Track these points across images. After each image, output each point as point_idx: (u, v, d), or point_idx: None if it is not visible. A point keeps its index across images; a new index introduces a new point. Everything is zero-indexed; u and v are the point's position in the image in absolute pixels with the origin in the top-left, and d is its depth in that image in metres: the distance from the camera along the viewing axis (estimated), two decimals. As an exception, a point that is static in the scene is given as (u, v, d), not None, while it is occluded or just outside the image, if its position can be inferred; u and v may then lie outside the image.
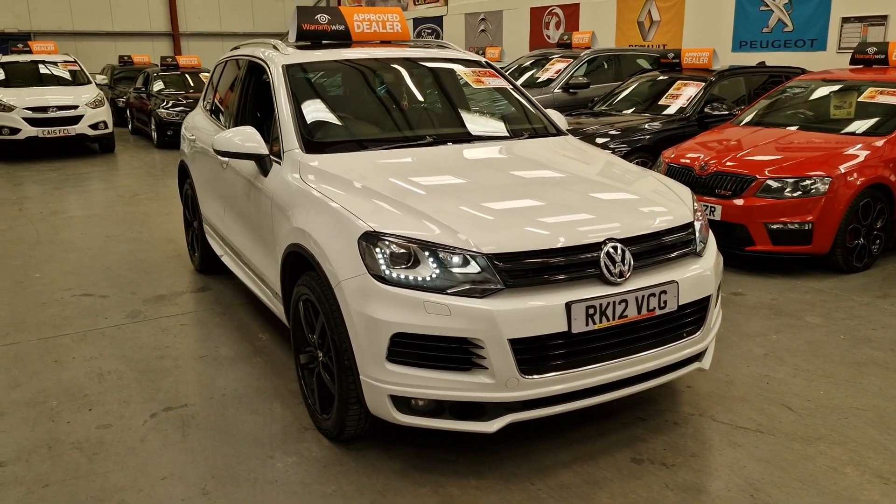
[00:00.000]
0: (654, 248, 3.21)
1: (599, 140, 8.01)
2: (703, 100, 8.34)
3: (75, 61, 14.77)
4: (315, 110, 4.22)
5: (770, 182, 5.75)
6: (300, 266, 3.55)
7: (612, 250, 3.05)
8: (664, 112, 8.48)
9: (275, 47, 4.70)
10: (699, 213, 3.62)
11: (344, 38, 4.92)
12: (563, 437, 3.47)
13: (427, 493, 3.07)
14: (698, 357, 3.46)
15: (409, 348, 2.94)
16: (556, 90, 10.30)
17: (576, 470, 3.22)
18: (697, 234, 3.44)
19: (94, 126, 13.27)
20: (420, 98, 4.65)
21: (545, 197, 3.43)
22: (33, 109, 12.76)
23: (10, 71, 13.98)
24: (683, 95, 8.60)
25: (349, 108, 4.49)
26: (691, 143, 6.80)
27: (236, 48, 5.65)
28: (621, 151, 7.87)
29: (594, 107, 9.51)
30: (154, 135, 14.60)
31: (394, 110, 4.53)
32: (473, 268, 2.94)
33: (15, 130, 12.69)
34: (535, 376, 2.93)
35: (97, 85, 14.47)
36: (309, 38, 4.86)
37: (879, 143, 6.06)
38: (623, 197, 3.51)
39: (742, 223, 5.83)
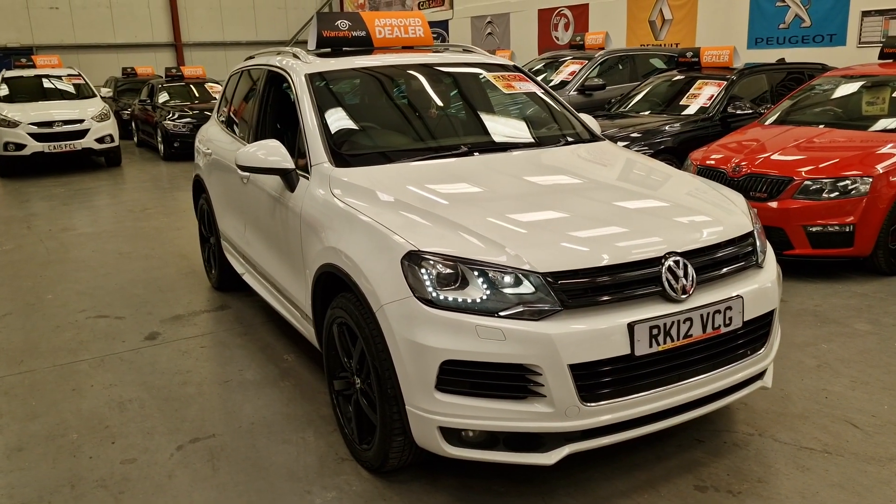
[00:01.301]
0: (717, 262, 3.00)
1: (620, 143, 7.80)
2: (726, 99, 8.13)
3: (80, 74, 14.60)
4: (342, 121, 4.02)
5: (807, 183, 5.54)
6: (334, 287, 3.35)
7: (673, 265, 2.84)
8: (684, 112, 8.27)
9: (295, 56, 4.50)
10: (755, 221, 3.41)
11: (365, 45, 4.73)
12: (618, 463, 3.26)
13: (480, 530, 2.86)
14: (760, 375, 3.25)
15: (460, 376, 2.73)
16: (571, 93, 10.09)
17: (636, 500, 3.01)
18: (758, 244, 3.22)
19: (101, 140, 13.09)
20: (449, 105, 4.44)
21: (595, 209, 3.21)
22: (38, 124, 12.59)
23: (15, 86, 13.81)
24: (704, 95, 8.39)
25: (377, 117, 4.28)
26: (720, 144, 6.59)
27: (251, 58, 5.46)
28: (644, 154, 7.66)
29: (612, 109, 9.30)
30: (161, 147, 14.42)
31: (423, 119, 4.32)
32: (527, 287, 2.73)
33: (20, 146, 12.51)
34: (597, 403, 2.72)
35: (102, 98, 14.29)
36: (329, 46, 4.67)
37: (918, 139, 5.84)
38: (679, 206, 3.29)
39: (779, 226, 5.61)
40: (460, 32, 19.02)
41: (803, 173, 5.60)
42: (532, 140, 4.27)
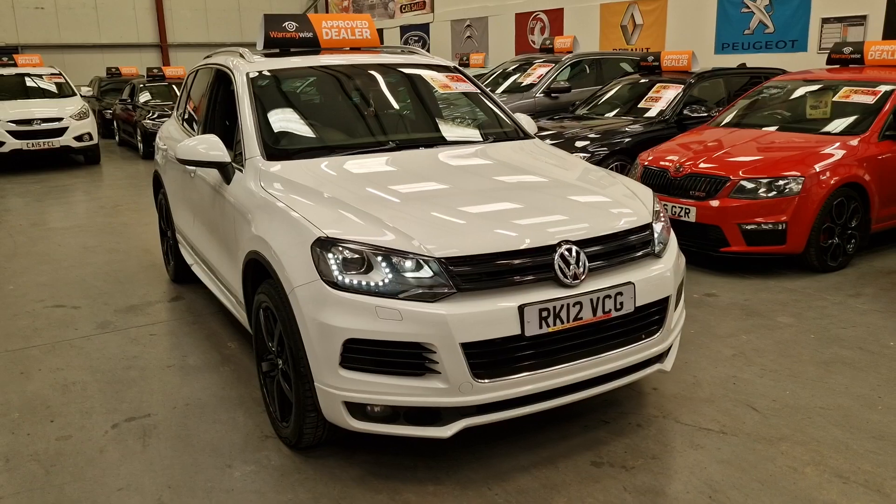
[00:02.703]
0: (610, 250, 3.20)
1: (579, 143, 8.02)
2: (683, 102, 8.35)
3: (60, 74, 14.74)
4: (277, 117, 4.20)
5: (744, 182, 5.75)
6: (260, 273, 3.54)
7: (566, 253, 3.04)
8: (645, 115, 8.49)
9: (241, 55, 4.69)
10: (661, 215, 3.61)
11: (312, 46, 4.91)
12: (523, 441, 3.45)
13: (383, 499, 3.05)
14: (659, 358, 3.45)
15: (362, 354, 2.93)
16: (537, 94, 10.30)
17: (534, 474, 3.20)
18: (656, 236, 3.42)
19: (79, 138, 13.25)
20: (385, 103, 4.64)
21: (502, 200, 3.42)
22: (17, 122, 12.74)
23: (-5, 84, 13.96)
24: (663, 98, 8.60)
25: (313, 114, 4.47)
26: (667, 145, 6.80)
27: (208, 56, 5.64)
28: (600, 154, 7.88)
29: (575, 110, 9.51)
30: (140, 146, 14.58)
31: (358, 116, 4.52)
32: (426, 272, 2.92)
33: (-1, 143, 12.67)
34: (489, 380, 2.91)
35: (82, 97, 14.43)
36: (277, 46, 4.85)
37: (854, 142, 6.07)
38: (580, 199, 3.50)
39: (716, 224, 5.82)
40: (441, 36, 19.24)
41: (740, 173, 5.81)
42: (460, 137, 4.47)
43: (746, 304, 5.27)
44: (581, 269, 3.05)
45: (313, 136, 4.23)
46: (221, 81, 4.78)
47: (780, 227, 5.67)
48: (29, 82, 14.36)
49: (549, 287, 3.01)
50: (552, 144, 7.94)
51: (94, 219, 8.93)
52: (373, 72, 4.72)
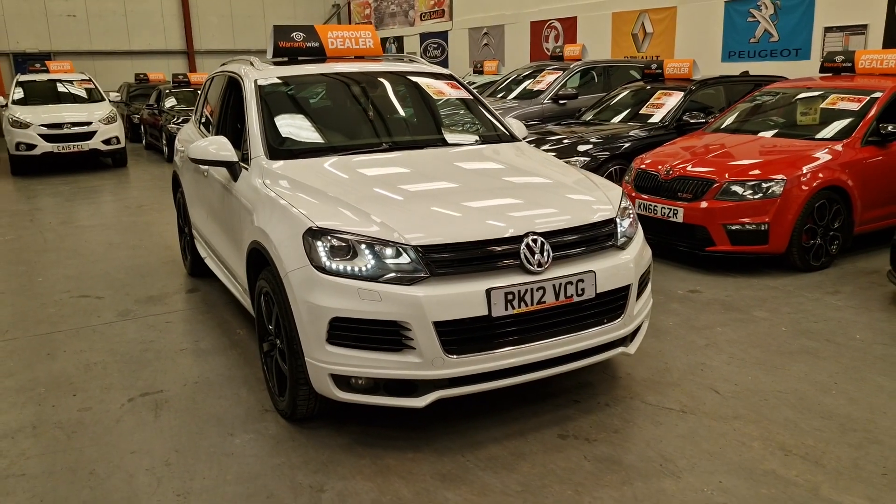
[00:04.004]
0: (574, 242, 3.52)
1: (582, 147, 8.34)
2: (682, 108, 8.63)
3: (90, 79, 15.33)
4: (281, 120, 4.57)
5: (729, 185, 6.03)
6: (261, 261, 3.90)
7: (532, 243, 3.37)
8: (648, 121, 8.77)
9: (251, 63, 5.07)
10: (628, 211, 3.93)
11: (318, 55, 5.28)
12: (499, 417, 3.78)
13: (366, 464, 3.39)
14: (623, 342, 3.76)
15: (346, 331, 3.28)
16: (545, 101, 10.62)
17: (505, 444, 3.53)
18: (620, 229, 3.74)
19: (107, 141, 13.78)
20: (382, 107, 5.00)
21: (479, 195, 3.76)
22: (49, 126, 13.30)
23: (28, 89, 14.56)
24: (665, 105, 8.89)
25: (314, 117, 4.84)
26: (660, 150, 7.09)
27: (224, 64, 6.04)
28: (601, 158, 8.19)
29: (581, 116, 9.82)
30: (165, 149, 15.09)
31: (356, 120, 4.89)
32: (405, 259, 3.27)
33: (31, 146, 13.22)
34: (459, 356, 3.25)
35: (110, 102, 14.99)
36: (285, 55, 5.23)
37: (838, 146, 6.32)
38: (551, 195, 3.84)
39: (702, 224, 6.11)
40: (459, 43, 19.63)
41: (726, 176, 6.09)
42: (449, 139, 4.82)
43: (727, 299, 5.55)
44: (545, 258, 3.38)
45: (313, 137, 4.60)
46: (233, 87, 5.17)
47: (762, 228, 5.94)
48: (60, 88, 14.97)
49: (515, 273, 3.34)
50: (558, 148, 8.30)
51: (120, 218, 9.39)
52: (372, 78, 5.08)
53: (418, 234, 3.31)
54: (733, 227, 6.00)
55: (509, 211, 3.58)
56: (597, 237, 3.62)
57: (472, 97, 5.17)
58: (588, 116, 9.65)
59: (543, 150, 8.33)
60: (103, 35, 23.42)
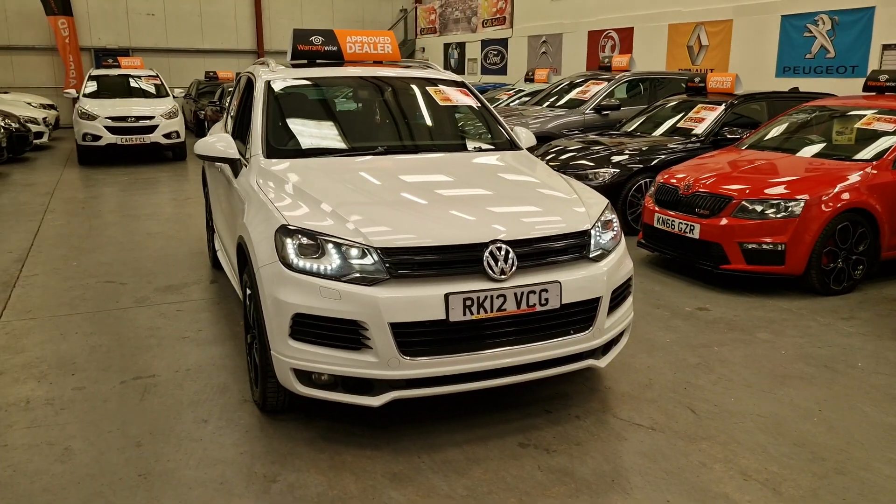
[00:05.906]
0: (540, 251, 3.53)
1: (615, 158, 8.29)
2: (721, 123, 8.47)
3: (157, 76, 15.96)
4: (285, 121, 4.71)
5: (746, 203, 5.90)
6: (245, 257, 4.03)
7: (496, 250, 3.40)
8: (690, 134, 8.64)
9: (267, 64, 5.24)
10: (612, 224, 3.91)
11: (337, 58, 5.42)
12: (467, 421, 3.81)
13: (324, 458, 3.48)
14: (594, 354, 3.74)
15: (308, 328, 3.37)
16: (587, 111, 10.55)
17: (464, 448, 3.56)
18: (595, 241, 3.72)
19: (168, 135, 14.32)
20: (385, 112, 5.09)
21: (454, 201, 3.81)
22: (114, 118, 13.90)
23: (101, 83, 15.25)
24: (705, 119, 8.74)
25: (318, 119, 4.97)
26: (686, 164, 6.98)
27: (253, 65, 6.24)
28: (633, 170, 8.13)
29: (621, 128, 9.73)
30: (223, 145, 15.54)
31: (357, 123, 4.99)
32: (369, 260, 3.34)
33: (97, 137, 13.85)
34: (416, 358, 3.30)
35: (174, 98, 15.56)
36: (304, 58, 5.38)
37: (868, 168, 6.11)
38: (529, 205, 3.85)
39: (718, 242, 5.99)
40: (518, 50, 19.64)
41: (746, 193, 5.96)
42: (447, 145, 4.87)
43: (734, 319, 5.43)
44: (509, 266, 3.40)
45: (312, 138, 4.73)
46: (249, 87, 5.35)
47: (779, 248, 5.79)
48: (131, 83, 15.64)
49: (477, 279, 3.37)
50: (594, 157, 8.28)
51: (164, 209, 9.76)
52: (382, 84, 5.18)
53: (382, 237, 3.38)
54: (749, 246, 5.87)
55: (480, 218, 3.61)
56: (567, 248, 3.62)
57: (480, 105, 5.21)
58: (630, 128, 9.56)
59: (581, 160, 8.36)
60: (178, 33, 24.30)
